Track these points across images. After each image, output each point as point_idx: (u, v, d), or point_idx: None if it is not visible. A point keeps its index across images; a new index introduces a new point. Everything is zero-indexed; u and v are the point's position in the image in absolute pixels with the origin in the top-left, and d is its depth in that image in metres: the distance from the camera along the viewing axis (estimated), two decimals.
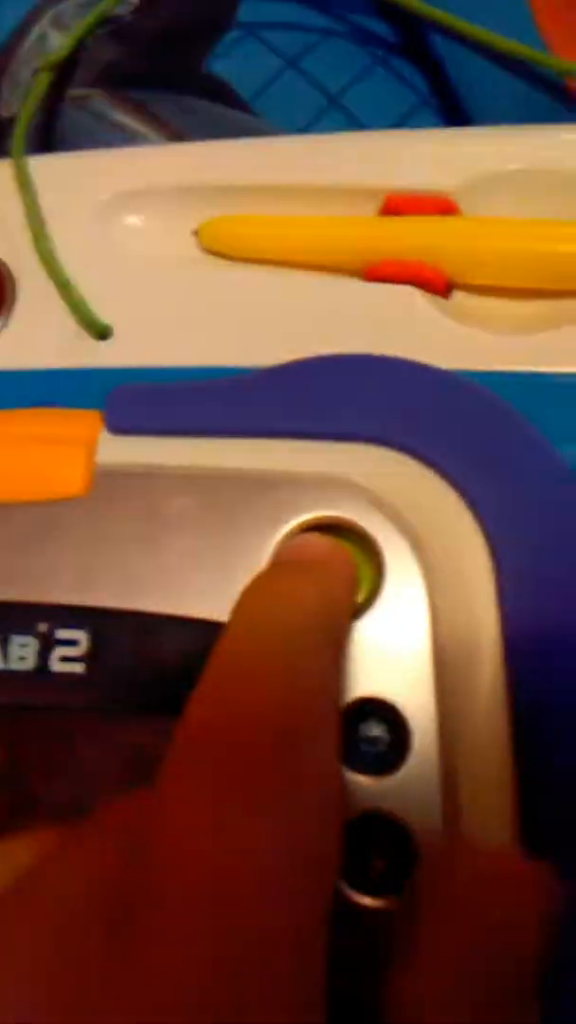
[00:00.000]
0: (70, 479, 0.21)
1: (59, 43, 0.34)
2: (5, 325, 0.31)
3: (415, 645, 0.19)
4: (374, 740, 0.18)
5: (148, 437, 0.22)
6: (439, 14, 0.31)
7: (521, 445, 0.19)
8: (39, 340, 0.30)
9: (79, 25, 0.33)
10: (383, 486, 0.20)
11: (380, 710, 0.19)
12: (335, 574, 0.18)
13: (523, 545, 0.19)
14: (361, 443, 0.20)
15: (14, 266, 0.31)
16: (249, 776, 0.14)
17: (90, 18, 0.33)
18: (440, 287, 0.28)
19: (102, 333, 0.29)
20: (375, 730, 0.19)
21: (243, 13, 0.35)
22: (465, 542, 0.19)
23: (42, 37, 0.34)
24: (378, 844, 0.18)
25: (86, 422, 0.22)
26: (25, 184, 0.31)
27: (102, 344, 0.29)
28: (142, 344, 0.29)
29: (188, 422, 0.21)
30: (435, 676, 0.19)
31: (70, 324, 0.30)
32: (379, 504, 0.19)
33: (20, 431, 0.23)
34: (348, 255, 0.28)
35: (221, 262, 0.31)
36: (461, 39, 0.31)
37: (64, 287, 0.29)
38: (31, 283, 0.31)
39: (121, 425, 0.22)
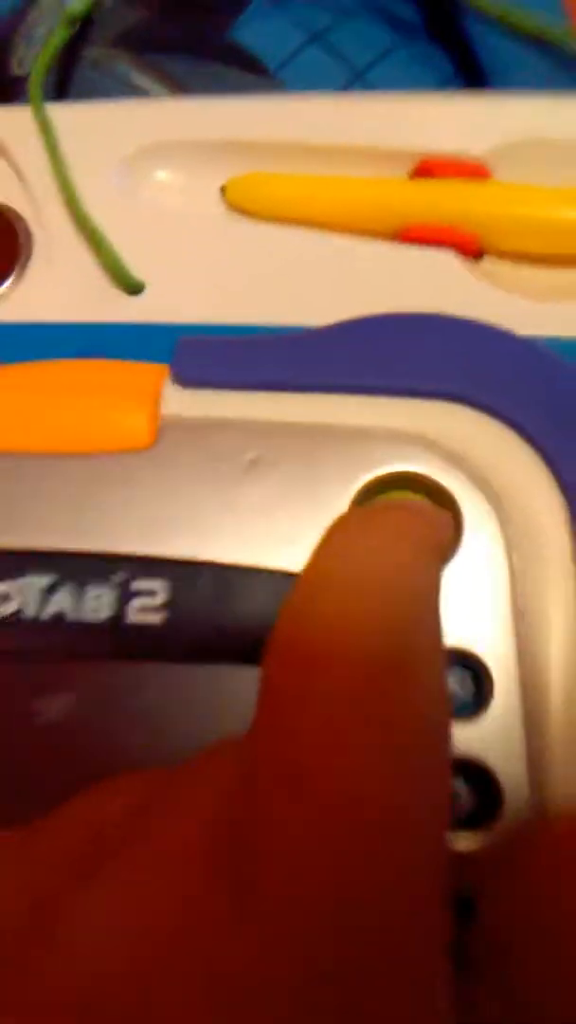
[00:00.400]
0: (135, 430, 0.21)
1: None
2: (19, 280, 0.30)
3: (494, 599, 0.19)
4: (456, 685, 0.19)
5: (215, 391, 0.21)
6: None
7: None
8: (55, 296, 0.29)
9: None
10: (460, 443, 0.20)
11: (461, 659, 0.19)
12: (434, 518, 0.18)
13: None
14: (438, 400, 0.20)
15: (31, 219, 0.30)
16: (358, 701, 0.13)
17: None
18: (473, 252, 0.28)
19: (134, 289, 0.28)
20: (457, 676, 0.19)
21: None
22: (543, 501, 0.20)
23: None
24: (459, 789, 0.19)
25: (150, 374, 0.22)
26: (46, 132, 0.30)
27: (123, 300, 0.29)
28: (167, 301, 0.28)
29: (257, 375, 0.21)
30: (515, 629, 0.19)
31: (91, 279, 0.29)
32: (457, 460, 0.20)
33: (80, 380, 0.22)
34: (380, 217, 0.29)
35: (246, 220, 0.30)
36: (489, 19, 0.31)
37: (96, 240, 0.28)
38: (49, 237, 0.30)
39: (187, 377, 0.21)
